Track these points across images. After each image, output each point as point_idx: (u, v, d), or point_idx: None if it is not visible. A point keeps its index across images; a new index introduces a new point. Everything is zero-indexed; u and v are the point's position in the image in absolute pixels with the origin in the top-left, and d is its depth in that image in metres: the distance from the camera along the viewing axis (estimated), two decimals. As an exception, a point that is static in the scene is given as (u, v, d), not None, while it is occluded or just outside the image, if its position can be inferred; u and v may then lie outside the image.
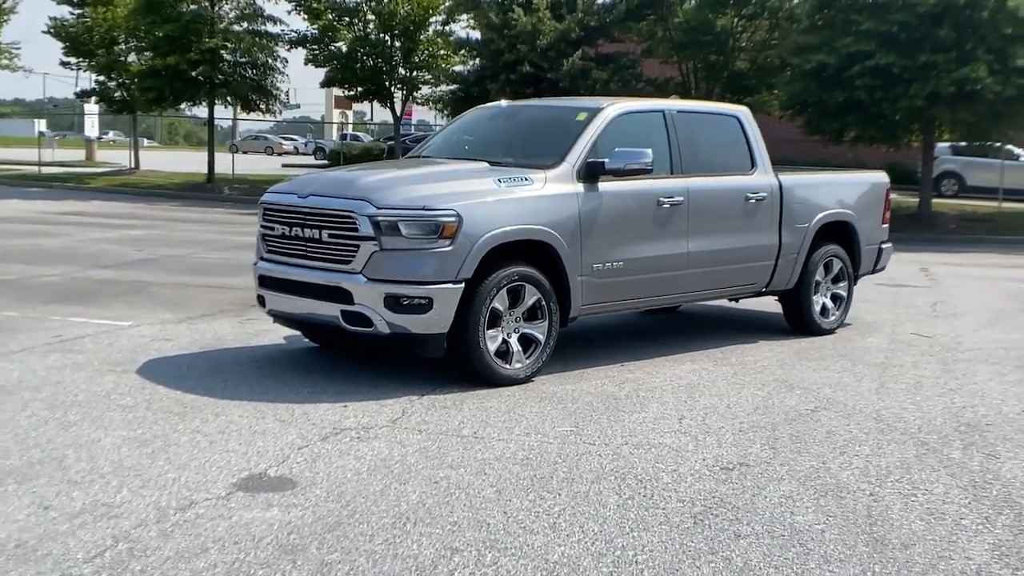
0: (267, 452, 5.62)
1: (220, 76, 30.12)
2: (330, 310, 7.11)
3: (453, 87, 27.51)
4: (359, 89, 30.72)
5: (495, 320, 7.19)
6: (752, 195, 8.93)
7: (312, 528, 4.52)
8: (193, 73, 29.55)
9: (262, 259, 7.74)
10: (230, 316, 9.86)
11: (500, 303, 7.18)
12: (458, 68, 28.49)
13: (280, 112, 33.70)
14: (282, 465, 5.41)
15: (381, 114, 55.25)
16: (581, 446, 5.90)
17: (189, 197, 29.97)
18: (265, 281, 7.64)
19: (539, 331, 7.44)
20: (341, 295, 7.01)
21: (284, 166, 46.93)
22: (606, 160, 7.72)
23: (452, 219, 6.91)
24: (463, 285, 6.95)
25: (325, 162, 45.05)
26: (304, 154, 63.02)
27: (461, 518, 4.69)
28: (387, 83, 30.43)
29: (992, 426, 6.58)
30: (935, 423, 6.61)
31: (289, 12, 30.19)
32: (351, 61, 29.44)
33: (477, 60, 26.32)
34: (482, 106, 9.94)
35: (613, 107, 8.26)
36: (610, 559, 4.27)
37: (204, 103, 31.92)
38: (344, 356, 8.20)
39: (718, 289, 9.01)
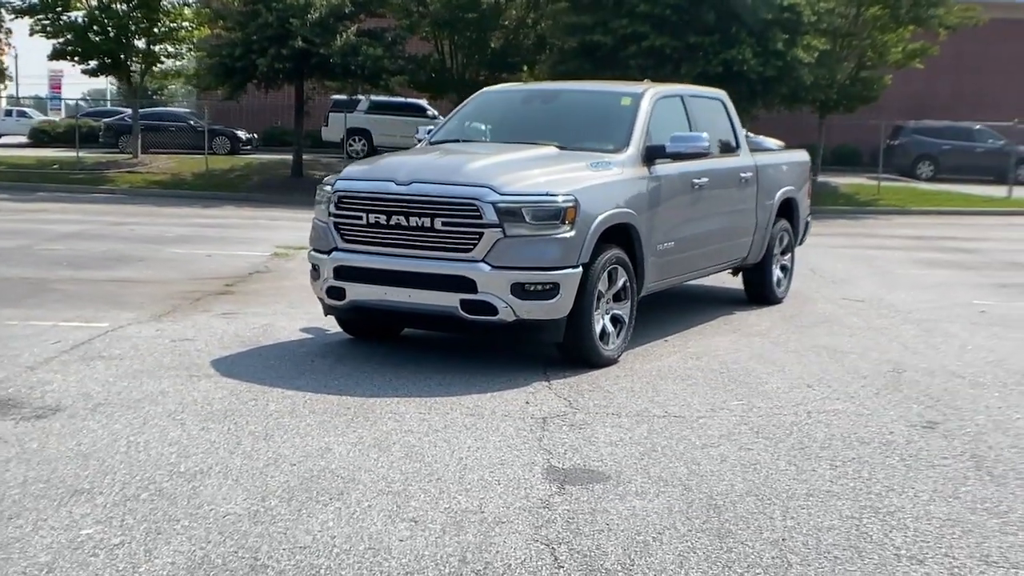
0: (522, 445, 5.55)
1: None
2: (446, 300, 6.95)
3: (212, 61, 26.05)
4: (92, 63, 28.36)
5: (597, 303, 7.32)
6: (743, 175, 9.55)
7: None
8: None
9: (338, 250, 7.34)
10: (198, 311, 9.24)
11: (603, 286, 7.33)
12: (217, 42, 26.94)
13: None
14: (575, 457, 5.35)
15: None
16: (782, 416, 6.22)
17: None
18: (348, 272, 7.28)
19: (624, 311, 7.65)
20: (462, 284, 6.88)
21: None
22: (666, 144, 8.03)
23: (572, 204, 6.97)
24: (581, 269, 7.04)
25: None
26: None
27: (813, 489, 4.91)
28: (123, 56, 28.33)
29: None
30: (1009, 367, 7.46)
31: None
32: (86, 32, 27.10)
33: (240, 33, 25.07)
34: (499, 89, 9.83)
35: (651, 92, 8.58)
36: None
37: None
38: (400, 346, 8.05)
39: (717, 265, 9.56)
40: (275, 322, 8.77)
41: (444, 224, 6.94)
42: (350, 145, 33.98)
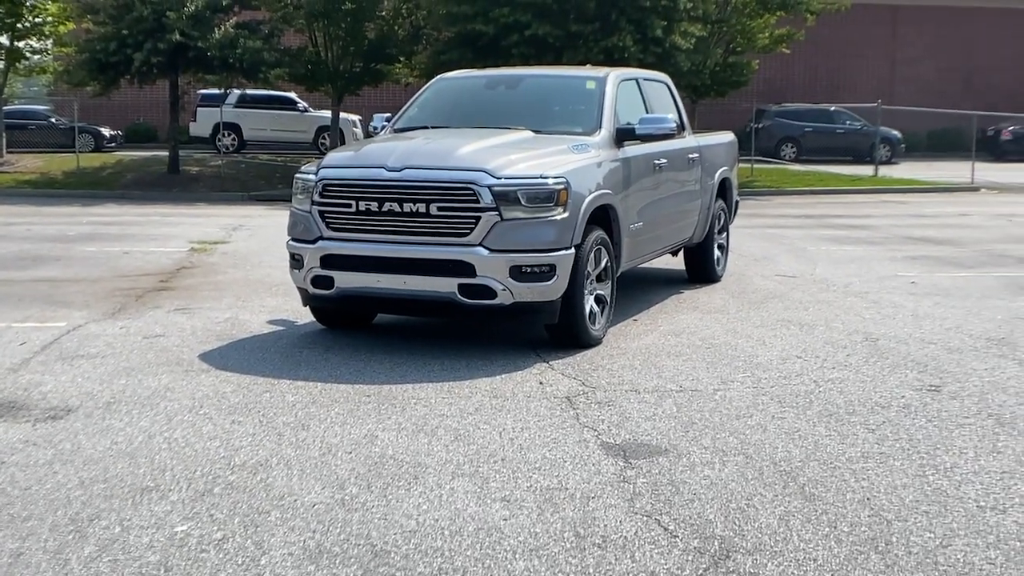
0: (563, 424, 5.60)
1: None
2: (444, 285, 6.93)
3: (83, 56, 24.85)
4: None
5: (586, 283, 7.41)
6: (691, 156, 9.78)
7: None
8: None
9: (323, 238, 7.22)
10: (148, 307, 8.96)
11: (590, 267, 7.42)
12: (87, 36, 25.70)
13: None
14: (621, 432, 5.43)
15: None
16: (793, 386, 6.43)
17: None
18: (336, 261, 7.17)
19: (606, 292, 7.76)
20: (460, 268, 6.87)
21: None
22: (635, 126, 8.17)
23: (564, 186, 7.04)
24: (574, 250, 7.12)
25: None
26: None
27: (865, 452, 5.12)
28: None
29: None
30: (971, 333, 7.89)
31: None
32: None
33: (112, 27, 24.00)
34: (457, 76, 9.71)
35: (613, 74, 8.73)
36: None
37: None
38: (379, 334, 7.97)
39: (672, 244, 9.76)
40: (237, 316, 8.56)
41: (440, 209, 6.91)
42: (219, 140, 33.13)
